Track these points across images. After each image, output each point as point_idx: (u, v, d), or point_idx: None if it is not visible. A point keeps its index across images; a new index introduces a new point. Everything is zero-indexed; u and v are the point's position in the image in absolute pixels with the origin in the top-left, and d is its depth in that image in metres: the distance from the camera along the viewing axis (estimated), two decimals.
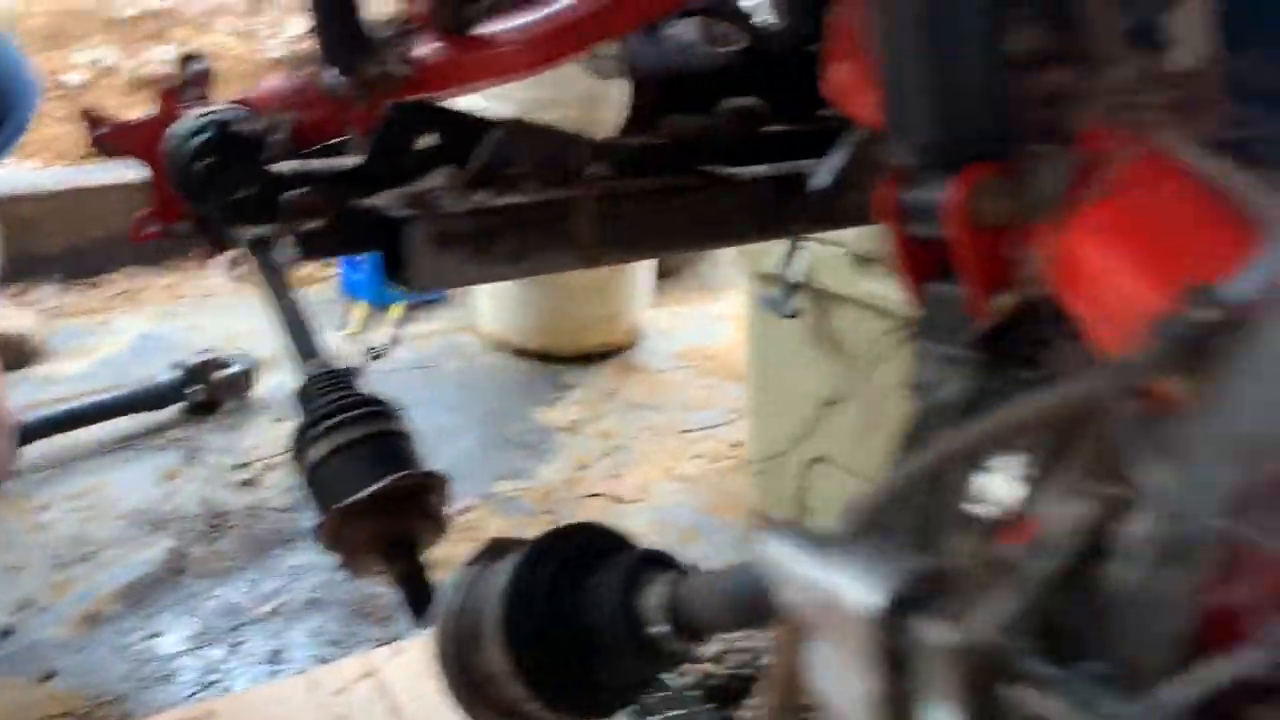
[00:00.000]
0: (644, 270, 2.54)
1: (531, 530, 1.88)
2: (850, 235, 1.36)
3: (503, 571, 0.71)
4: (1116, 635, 0.29)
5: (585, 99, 2.41)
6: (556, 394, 2.29)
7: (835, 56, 0.76)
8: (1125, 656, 0.30)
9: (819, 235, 1.37)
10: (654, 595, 0.63)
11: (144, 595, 1.52)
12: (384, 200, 0.73)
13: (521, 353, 2.45)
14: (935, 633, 0.27)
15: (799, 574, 0.31)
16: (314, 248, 0.75)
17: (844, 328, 1.44)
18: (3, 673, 1.33)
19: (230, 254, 3.03)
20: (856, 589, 0.29)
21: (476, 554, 0.80)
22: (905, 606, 0.28)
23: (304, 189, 0.73)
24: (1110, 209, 0.50)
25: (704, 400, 2.30)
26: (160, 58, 3.49)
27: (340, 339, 2.49)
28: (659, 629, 0.61)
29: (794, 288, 1.46)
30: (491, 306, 2.48)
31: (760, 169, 0.91)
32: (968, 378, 0.57)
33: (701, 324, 2.74)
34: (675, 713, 1.25)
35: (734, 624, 0.56)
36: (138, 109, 3.32)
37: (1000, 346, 0.58)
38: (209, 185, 0.99)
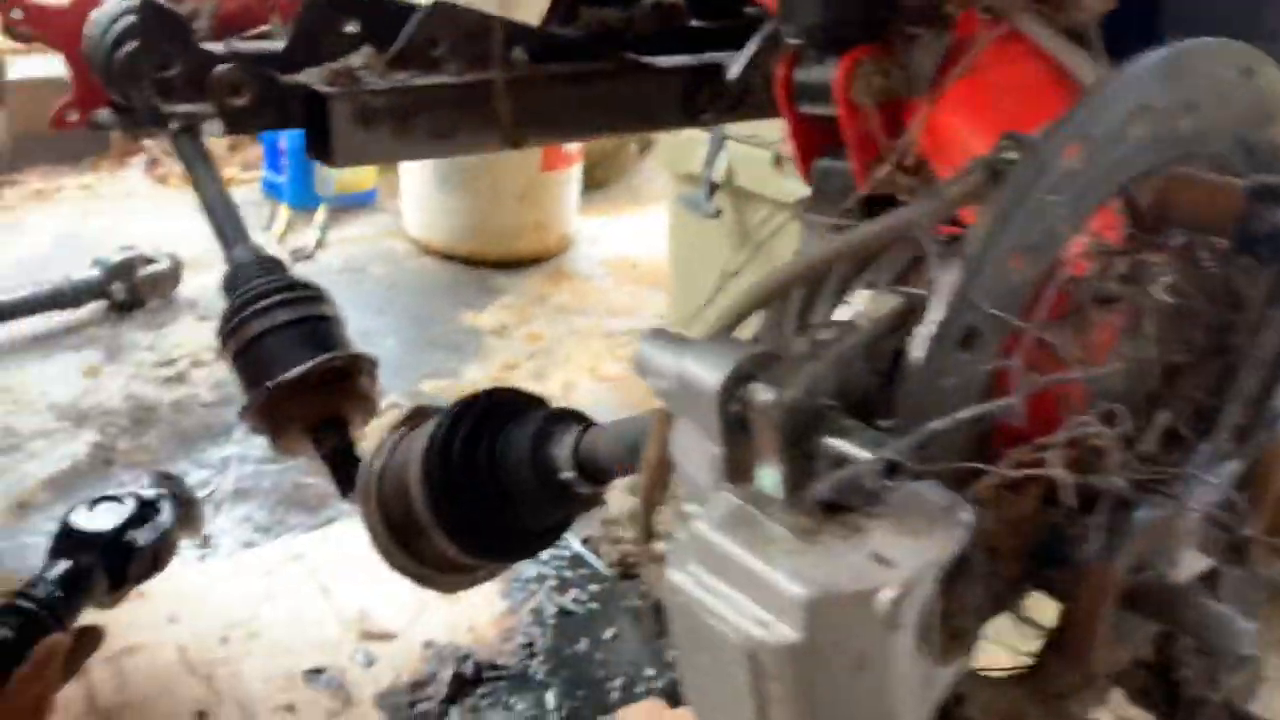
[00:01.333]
0: (574, 180, 2.56)
1: None
2: (773, 136, 1.40)
3: (423, 433, 0.76)
4: (905, 398, 0.36)
5: None
6: (485, 298, 2.32)
7: None
8: (910, 413, 0.36)
9: (742, 136, 1.41)
10: (562, 445, 0.68)
11: (72, 485, 1.54)
12: (308, 76, 0.76)
13: (450, 258, 2.47)
14: (760, 395, 0.33)
15: (661, 364, 0.36)
16: (239, 123, 0.78)
17: (765, 229, 1.49)
18: None
19: (150, 152, 2.95)
20: (702, 370, 0.34)
21: (399, 420, 0.85)
22: (739, 380, 0.34)
23: (231, 64, 0.75)
24: (970, 86, 0.56)
25: (628, 306, 2.35)
26: None
27: (264, 242, 2.48)
28: (567, 474, 0.67)
29: (715, 187, 1.51)
30: (420, 211, 2.48)
31: (677, 59, 0.94)
32: None
33: (628, 234, 2.77)
34: (595, 587, 1.32)
35: (631, 462, 0.61)
36: None
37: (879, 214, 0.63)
38: (136, 66, 1.00)
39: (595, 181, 2.92)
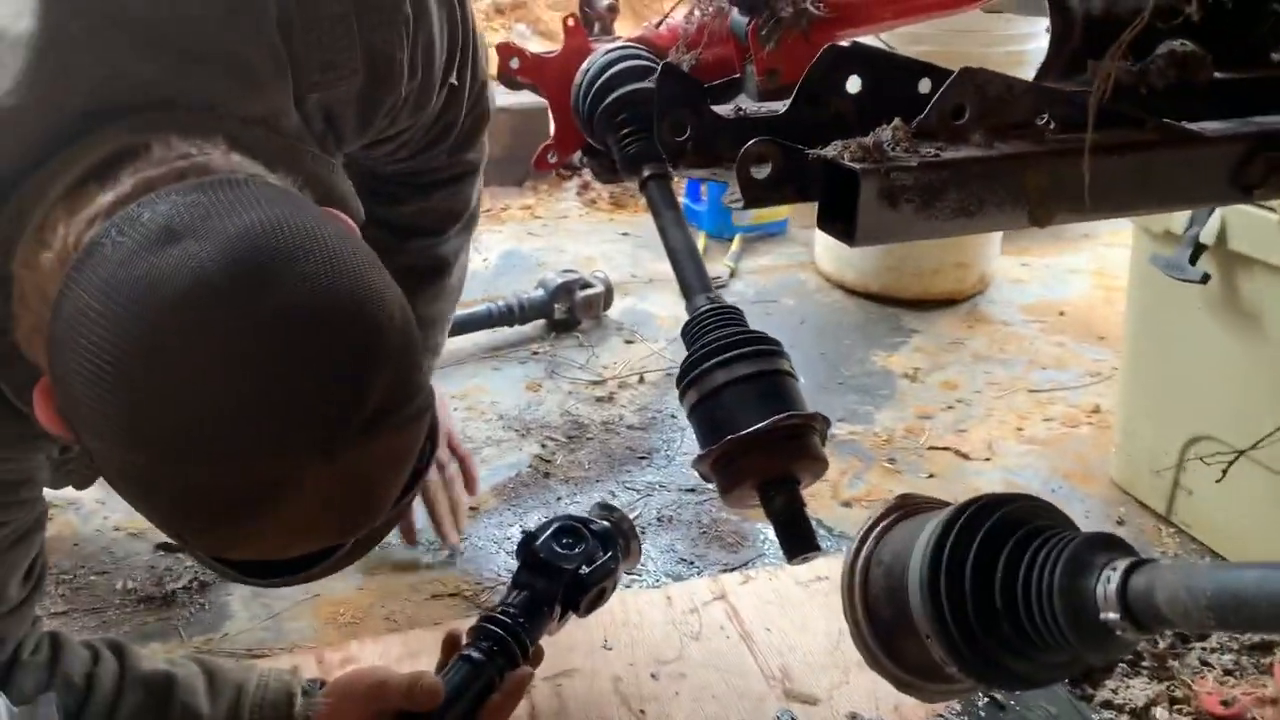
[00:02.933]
0: None
1: (874, 475, 1.85)
2: None
3: (925, 531, 0.71)
4: None
5: (949, 33, 2.31)
6: (897, 339, 2.25)
7: None
8: None
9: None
10: (1105, 581, 0.60)
11: (517, 494, 1.67)
12: (836, 151, 0.73)
13: (860, 293, 2.42)
14: None
15: None
16: (758, 195, 0.77)
17: (1262, 299, 1.30)
18: (408, 554, 1.50)
19: (583, 177, 3.15)
20: None
21: (886, 508, 0.81)
22: None
23: (762, 139, 0.75)
24: None
25: (1055, 359, 2.17)
26: None
27: None
28: (1110, 615, 0.59)
29: (1201, 249, 1.34)
30: (832, 245, 2.45)
31: (1225, 126, 0.83)
32: None
33: (1053, 277, 2.58)
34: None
35: (1216, 626, 0.53)
36: (499, 34, 3.51)
37: None
38: (636, 123, 1.04)
39: None
